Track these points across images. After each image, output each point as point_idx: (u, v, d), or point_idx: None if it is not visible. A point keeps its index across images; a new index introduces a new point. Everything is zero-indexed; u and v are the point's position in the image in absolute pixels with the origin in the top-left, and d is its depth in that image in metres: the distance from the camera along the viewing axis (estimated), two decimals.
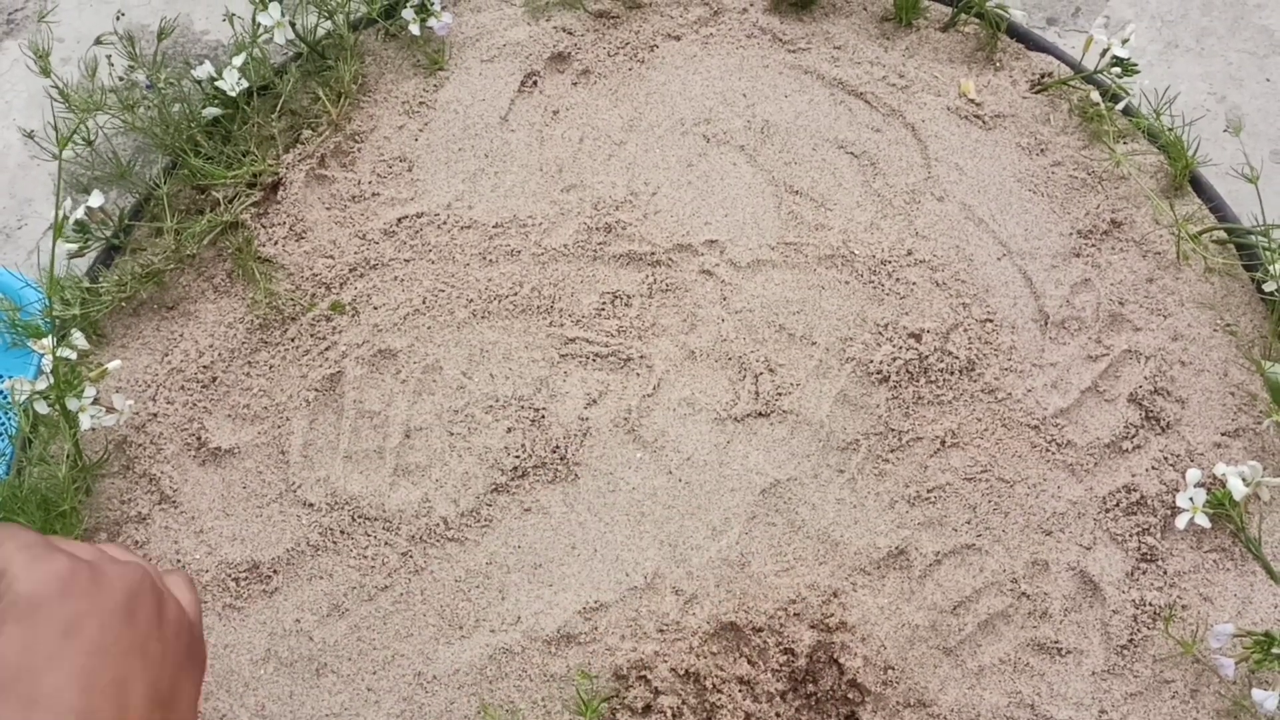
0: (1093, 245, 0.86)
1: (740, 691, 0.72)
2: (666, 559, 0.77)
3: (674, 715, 0.70)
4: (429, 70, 0.94)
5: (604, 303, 0.85)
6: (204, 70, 0.89)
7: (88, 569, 0.49)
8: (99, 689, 0.48)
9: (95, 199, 0.83)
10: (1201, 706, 0.72)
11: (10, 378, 0.77)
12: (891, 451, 0.80)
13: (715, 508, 0.78)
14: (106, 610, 0.49)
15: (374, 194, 0.89)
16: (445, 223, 0.88)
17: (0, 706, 0.46)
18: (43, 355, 0.76)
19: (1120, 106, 0.90)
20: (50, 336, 0.76)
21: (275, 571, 0.77)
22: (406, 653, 0.75)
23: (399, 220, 0.88)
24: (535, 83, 0.94)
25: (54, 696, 0.47)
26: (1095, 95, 0.90)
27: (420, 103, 0.93)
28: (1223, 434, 0.79)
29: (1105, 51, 0.88)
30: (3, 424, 0.87)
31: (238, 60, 0.88)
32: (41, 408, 0.76)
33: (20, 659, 0.47)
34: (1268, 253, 0.81)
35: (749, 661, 0.73)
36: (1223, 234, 0.85)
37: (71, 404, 0.76)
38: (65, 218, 0.80)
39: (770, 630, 0.74)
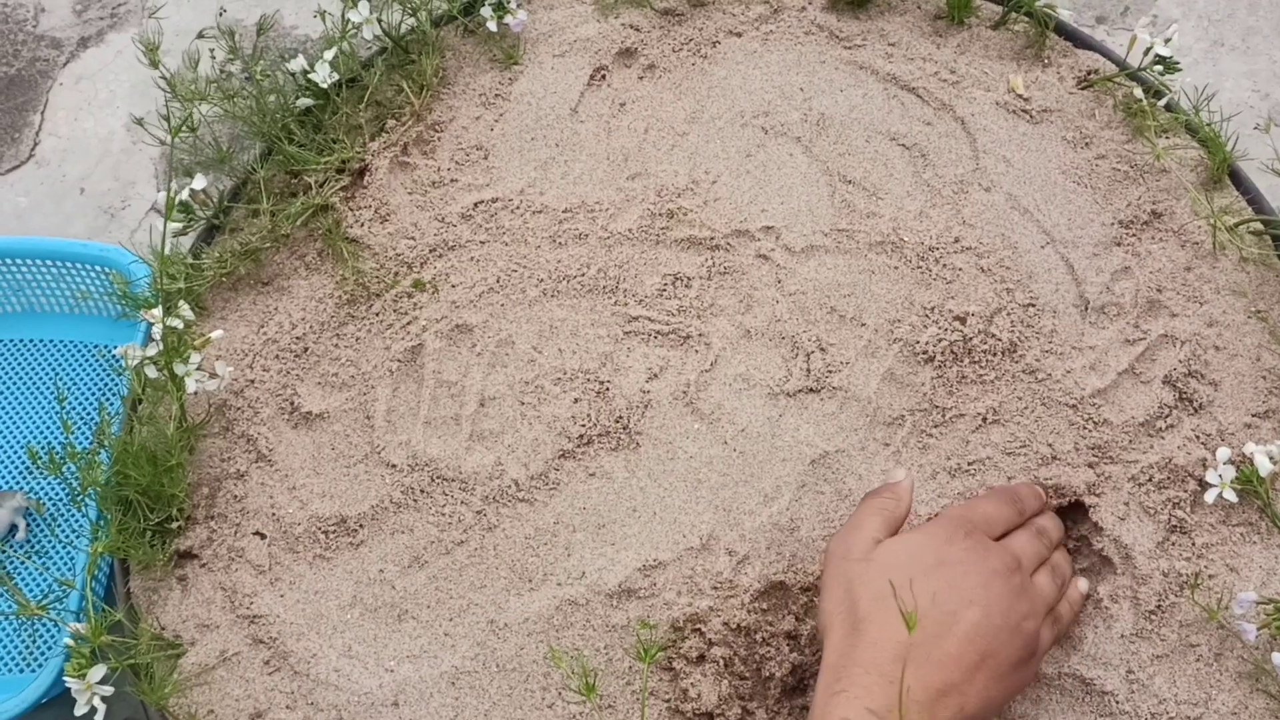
0: (1133, 235, 0.91)
1: (788, 645, 0.77)
2: (721, 522, 0.82)
3: (725, 664, 0.76)
4: (504, 64, 1.01)
5: (665, 284, 0.91)
6: (298, 63, 0.95)
7: (975, 533, 0.73)
8: (935, 604, 0.68)
9: (199, 182, 0.90)
10: (1224, 669, 0.76)
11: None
12: (935, 427, 0.85)
13: (767, 476, 0.84)
14: (971, 566, 0.70)
15: (452, 180, 0.96)
16: (518, 208, 0.94)
17: (892, 572, 0.69)
18: (152, 324, 0.83)
19: (1163, 102, 0.94)
20: (159, 307, 0.84)
21: (361, 526, 0.84)
22: (480, 602, 0.81)
23: (475, 205, 0.94)
24: (604, 77, 1.00)
25: (916, 593, 0.67)
26: (1138, 91, 0.94)
27: (496, 95, 0.99)
28: (1253, 415, 0.83)
29: (1149, 50, 0.92)
30: (116, 386, 0.95)
31: (329, 54, 0.95)
32: (151, 372, 0.83)
33: (913, 554, 0.71)
34: None
35: (796, 618, 0.78)
36: (1259, 225, 0.89)
37: (179, 369, 0.83)
38: (173, 199, 0.87)
39: (817, 590, 0.79)
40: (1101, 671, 0.76)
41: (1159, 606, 0.78)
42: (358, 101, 0.97)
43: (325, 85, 0.94)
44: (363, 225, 0.94)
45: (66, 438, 0.81)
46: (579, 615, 0.80)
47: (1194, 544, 0.80)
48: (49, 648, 0.89)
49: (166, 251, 0.88)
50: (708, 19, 1.02)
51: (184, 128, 0.88)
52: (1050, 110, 0.96)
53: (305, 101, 0.96)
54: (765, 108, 0.98)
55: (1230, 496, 0.79)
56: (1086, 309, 0.88)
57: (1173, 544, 0.80)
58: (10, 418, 1.01)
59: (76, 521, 0.94)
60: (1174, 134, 0.94)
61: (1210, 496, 0.79)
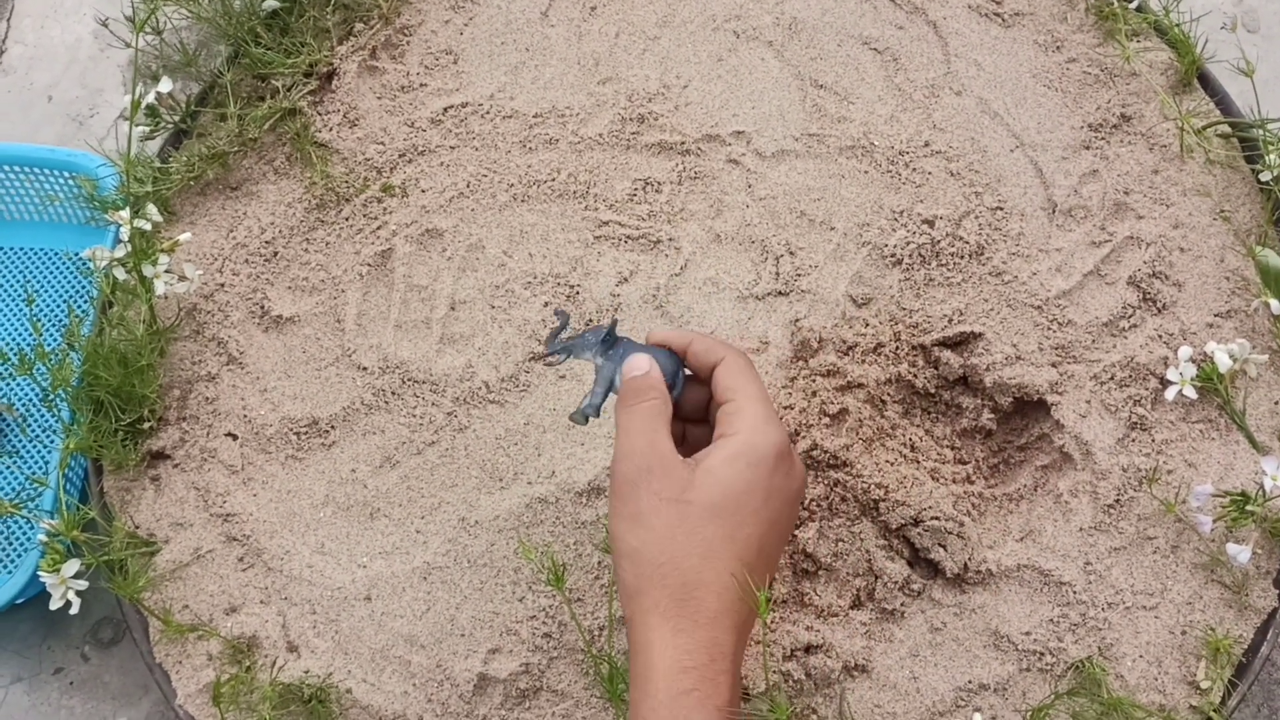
0: (1102, 138, 0.91)
1: None
2: None
3: None
4: None
5: (636, 189, 0.91)
6: None
7: (790, 455, 0.63)
8: (762, 552, 0.61)
9: (165, 85, 0.89)
10: (1181, 560, 0.78)
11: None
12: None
13: None
14: (791, 495, 0.63)
15: (422, 84, 0.95)
16: (488, 112, 0.94)
17: (718, 522, 0.60)
18: (120, 226, 0.83)
19: (1134, 4, 0.93)
20: (127, 209, 0.83)
21: (333, 427, 0.84)
22: (452, 500, 0.82)
23: (445, 109, 0.94)
24: None
25: (744, 543, 0.61)
26: None
27: None
28: (1215, 314, 0.84)
29: None
30: (85, 289, 0.95)
31: None
32: (120, 274, 0.83)
33: (740, 497, 0.61)
34: (1265, 144, 0.85)
35: None
36: (1226, 128, 0.89)
37: (147, 270, 0.83)
38: (138, 101, 0.86)
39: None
40: (1060, 563, 0.78)
41: (1118, 500, 0.79)
42: (325, 4, 0.95)
43: None
44: (331, 130, 0.93)
45: (37, 339, 0.81)
46: (549, 512, 0.81)
47: (1153, 440, 0.81)
48: (24, 549, 0.90)
49: (133, 155, 0.87)
50: None
51: (149, 28, 0.87)
52: (1022, 14, 0.96)
53: (271, 4, 0.95)
54: (737, 11, 0.97)
55: (1190, 394, 0.80)
56: (1054, 212, 0.88)
57: (1133, 440, 0.81)
58: None
59: (49, 424, 0.94)
60: (1145, 37, 0.94)
61: (1171, 394, 0.80)
